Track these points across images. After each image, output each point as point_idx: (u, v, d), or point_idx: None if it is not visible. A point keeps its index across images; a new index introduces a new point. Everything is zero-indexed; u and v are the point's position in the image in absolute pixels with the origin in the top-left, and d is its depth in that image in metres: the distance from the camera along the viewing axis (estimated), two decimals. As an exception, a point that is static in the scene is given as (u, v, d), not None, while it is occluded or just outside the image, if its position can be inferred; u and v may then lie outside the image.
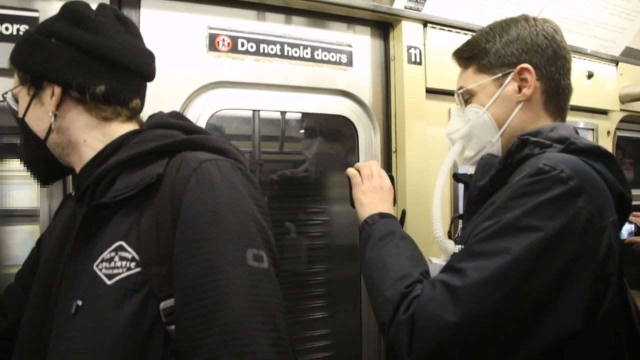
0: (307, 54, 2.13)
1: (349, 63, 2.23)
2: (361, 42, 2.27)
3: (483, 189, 1.39)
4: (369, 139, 2.26)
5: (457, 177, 1.71)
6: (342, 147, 2.32)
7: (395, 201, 1.84)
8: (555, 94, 1.46)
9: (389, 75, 2.30)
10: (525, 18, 1.51)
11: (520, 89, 1.45)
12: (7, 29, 1.66)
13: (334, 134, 2.29)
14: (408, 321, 1.20)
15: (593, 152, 1.28)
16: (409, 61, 2.23)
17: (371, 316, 2.21)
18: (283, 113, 2.25)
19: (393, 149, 2.26)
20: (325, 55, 2.17)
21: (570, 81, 1.50)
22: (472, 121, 1.51)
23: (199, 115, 1.92)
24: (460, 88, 1.57)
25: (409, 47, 2.24)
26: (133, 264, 1.07)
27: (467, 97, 1.55)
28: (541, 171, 1.18)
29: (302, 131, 2.37)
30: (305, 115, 2.28)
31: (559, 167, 1.17)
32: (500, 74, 1.47)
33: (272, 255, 1.14)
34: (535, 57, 1.44)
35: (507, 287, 1.11)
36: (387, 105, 2.29)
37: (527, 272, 1.11)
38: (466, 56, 1.57)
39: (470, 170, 1.63)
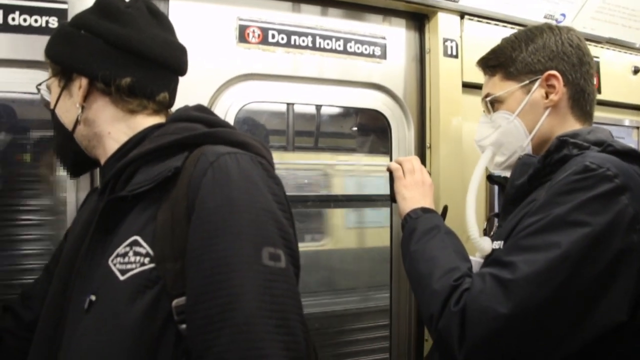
0: (339, 46, 2.10)
1: (383, 56, 2.19)
2: (395, 35, 2.23)
3: (521, 188, 1.42)
4: (402, 134, 2.22)
5: (492, 179, 1.75)
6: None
7: None
8: (581, 99, 1.51)
9: (424, 69, 2.25)
10: (550, 27, 1.56)
11: (547, 95, 1.50)
12: (36, 21, 1.67)
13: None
14: (459, 313, 1.22)
15: (630, 155, 1.32)
16: (445, 54, 2.18)
17: (401, 313, 2.20)
18: (318, 108, 2.23)
19: (427, 144, 2.21)
20: (358, 48, 2.14)
21: (594, 87, 1.55)
22: (503, 127, 1.55)
23: (228, 108, 1.90)
24: (487, 95, 1.61)
25: (445, 40, 2.19)
26: (147, 260, 1.04)
27: (495, 104, 1.59)
28: (588, 169, 1.22)
29: (355, 128, 2.37)
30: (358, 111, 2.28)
31: (605, 166, 1.21)
32: (527, 81, 1.52)
33: (292, 254, 1.10)
34: (561, 64, 1.49)
35: (557, 280, 1.14)
36: (422, 100, 2.25)
37: (576, 265, 1.14)
38: (492, 64, 1.61)
39: (503, 173, 1.67)
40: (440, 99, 2.15)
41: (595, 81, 1.56)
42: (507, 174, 1.55)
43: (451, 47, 2.19)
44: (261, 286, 0.98)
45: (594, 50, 2.51)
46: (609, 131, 1.47)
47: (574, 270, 1.14)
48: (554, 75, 1.47)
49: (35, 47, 1.61)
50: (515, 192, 1.44)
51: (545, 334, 1.16)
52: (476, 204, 1.61)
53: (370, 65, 2.16)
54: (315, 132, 2.37)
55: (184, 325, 1.00)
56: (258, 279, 0.99)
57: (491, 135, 1.59)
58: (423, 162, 2.20)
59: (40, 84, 1.35)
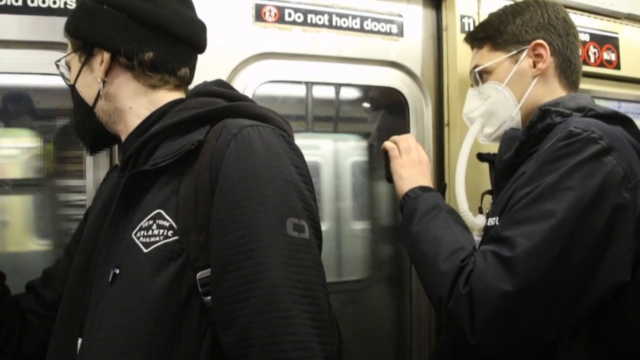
0: (356, 24, 2.09)
1: (400, 33, 2.18)
2: (412, 12, 2.22)
3: (509, 162, 1.45)
4: (420, 111, 2.21)
5: (481, 156, 1.72)
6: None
7: None
8: (568, 68, 1.55)
9: (441, 46, 2.24)
10: (536, 1, 1.60)
11: (535, 65, 1.53)
12: (54, 2, 1.68)
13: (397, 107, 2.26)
14: (468, 295, 1.22)
15: (612, 117, 1.36)
16: (463, 31, 2.16)
17: (421, 297, 2.18)
18: (337, 92, 2.22)
19: (445, 121, 2.20)
20: (375, 26, 2.13)
21: (580, 58, 1.60)
22: (492, 97, 1.58)
23: (245, 87, 1.90)
24: (475, 67, 1.63)
25: (462, 17, 2.17)
26: (170, 232, 1.05)
27: (483, 75, 1.61)
28: (572, 134, 1.23)
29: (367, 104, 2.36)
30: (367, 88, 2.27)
31: (590, 129, 1.23)
32: (515, 51, 1.55)
33: (315, 226, 1.10)
34: (548, 35, 1.54)
35: (556, 249, 1.15)
36: (440, 77, 2.24)
37: (574, 231, 1.15)
38: (480, 36, 1.65)
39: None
40: (458, 76, 2.13)
41: (580, 53, 1.61)
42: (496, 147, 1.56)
43: (468, 24, 2.17)
44: (286, 256, 1.00)
45: (612, 26, 2.50)
46: (589, 97, 1.50)
47: (571, 236, 1.15)
48: (541, 44, 1.52)
49: (54, 28, 1.62)
50: (504, 167, 1.46)
51: (552, 305, 1.17)
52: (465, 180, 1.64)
53: (387, 43, 2.15)
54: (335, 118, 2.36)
55: (208, 297, 1.02)
56: (283, 249, 1.00)
57: (480, 107, 1.62)
58: (441, 139, 2.20)
59: (59, 60, 1.35)
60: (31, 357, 1.38)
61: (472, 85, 1.69)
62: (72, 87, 1.32)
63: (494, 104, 1.57)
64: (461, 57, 2.14)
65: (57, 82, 1.43)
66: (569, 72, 1.55)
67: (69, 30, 1.29)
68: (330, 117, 2.42)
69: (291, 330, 0.95)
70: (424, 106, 2.22)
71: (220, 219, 1.02)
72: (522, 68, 1.53)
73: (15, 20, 1.66)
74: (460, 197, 1.61)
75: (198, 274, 1.03)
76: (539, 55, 1.52)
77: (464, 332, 1.21)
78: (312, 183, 1.17)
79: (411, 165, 1.71)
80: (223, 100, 1.23)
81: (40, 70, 1.68)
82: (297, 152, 1.16)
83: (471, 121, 1.68)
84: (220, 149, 1.07)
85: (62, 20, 1.30)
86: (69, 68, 1.34)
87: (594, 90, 2.32)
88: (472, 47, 1.70)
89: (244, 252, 0.98)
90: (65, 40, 1.32)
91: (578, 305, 1.17)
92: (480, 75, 1.61)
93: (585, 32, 2.43)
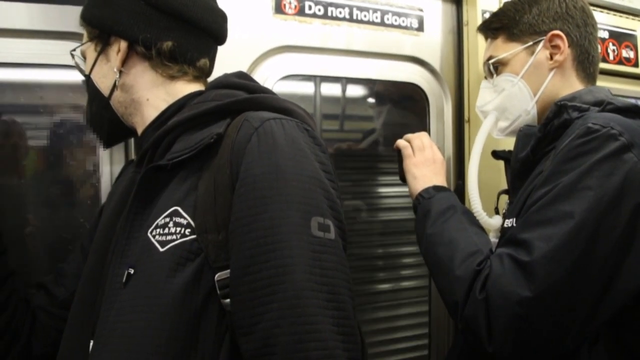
0: (376, 18, 2.06)
1: (420, 28, 2.15)
2: (433, 7, 2.18)
3: (525, 161, 1.39)
4: (440, 107, 2.18)
5: (496, 154, 1.67)
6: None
7: None
8: (585, 60, 1.50)
9: (461, 42, 2.20)
10: None
11: (552, 56, 1.48)
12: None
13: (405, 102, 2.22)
14: (485, 301, 1.18)
15: (631, 111, 1.29)
16: (484, 26, 2.12)
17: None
18: (344, 90, 2.18)
19: (466, 118, 2.16)
20: (395, 20, 2.09)
21: (598, 50, 1.55)
22: (507, 90, 1.53)
23: (264, 81, 1.86)
24: (489, 58, 1.58)
25: (484, 12, 2.13)
26: (188, 231, 1.00)
27: (497, 67, 1.57)
28: (591, 130, 1.18)
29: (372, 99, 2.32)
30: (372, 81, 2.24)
31: (609, 125, 1.18)
32: (531, 42, 1.50)
33: (340, 225, 1.05)
34: (566, 25, 1.48)
35: (576, 253, 1.11)
36: (460, 73, 2.20)
37: (594, 232, 1.11)
38: (495, 26, 1.59)
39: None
40: (479, 72, 2.08)
41: (599, 45, 1.56)
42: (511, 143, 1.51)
43: (490, 19, 2.14)
44: (311, 258, 0.95)
45: (631, 23, 2.48)
46: (607, 90, 1.45)
47: (592, 238, 1.11)
48: (558, 35, 1.46)
49: (69, 17, 1.57)
50: (521, 166, 1.41)
51: (572, 310, 1.12)
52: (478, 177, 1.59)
53: (407, 37, 2.12)
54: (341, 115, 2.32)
55: (227, 300, 0.97)
56: (307, 250, 0.95)
57: (494, 100, 1.57)
58: (461, 136, 2.17)
59: (74, 50, 1.31)
60: (40, 357, 1.35)
61: (485, 78, 1.64)
62: (87, 78, 1.28)
63: (509, 97, 1.52)
64: (482, 52, 2.07)
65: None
66: (586, 64, 1.50)
67: (85, 17, 1.25)
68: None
69: (316, 337, 0.90)
70: (444, 102, 2.19)
71: (241, 218, 0.97)
72: (538, 60, 1.48)
73: (24, 9, 1.61)
74: (474, 197, 1.56)
75: (216, 275, 0.98)
76: (556, 47, 1.47)
77: (481, 339, 1.17)
78: (337, 180, 1.12)
79: (425, 164, 1.67)
80: (244, 93, 1.19)
81: (55, 61, 1.64)
82: (321, 148, 1.11)
83: (485, 115, 1.63)
84: (241, 143, 1.02)
85: (74, 9, 1.27)
86: (84, 58, 1.30)
87: (612, 88, 2.27)
88: (486, 38, 1.64)
89: (266, 253, 0.94)
90: (78, 30, 1.29)
91: (599, 310, 1.13)
92: (495, 67, 1.57)
93: (604, 30, 2.40)
